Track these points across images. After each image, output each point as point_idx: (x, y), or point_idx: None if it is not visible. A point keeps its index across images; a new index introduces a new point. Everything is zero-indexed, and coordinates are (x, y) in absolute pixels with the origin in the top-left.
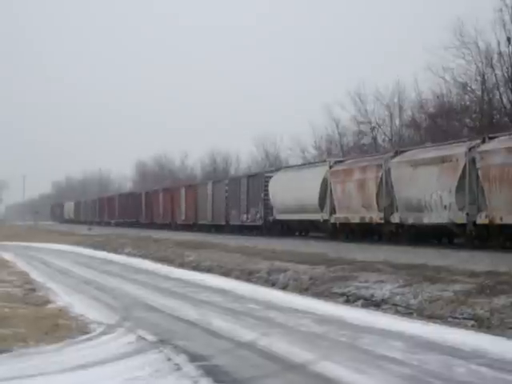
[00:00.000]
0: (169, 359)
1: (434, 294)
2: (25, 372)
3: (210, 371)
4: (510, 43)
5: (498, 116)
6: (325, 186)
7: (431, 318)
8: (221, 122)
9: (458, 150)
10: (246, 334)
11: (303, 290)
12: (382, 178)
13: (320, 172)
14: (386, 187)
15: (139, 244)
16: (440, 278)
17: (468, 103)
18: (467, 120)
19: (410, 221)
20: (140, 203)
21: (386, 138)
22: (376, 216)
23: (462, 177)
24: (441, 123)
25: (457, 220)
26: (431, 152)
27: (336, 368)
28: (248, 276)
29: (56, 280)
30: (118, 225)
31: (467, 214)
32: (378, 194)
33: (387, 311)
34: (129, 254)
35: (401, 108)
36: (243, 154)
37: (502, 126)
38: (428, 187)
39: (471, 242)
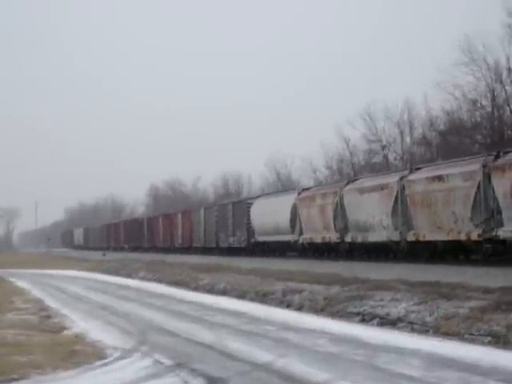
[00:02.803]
0: (186, 382)
1: (449, 311)
2: None
3: None
4: None
5: (509, 131)
6: (294, 211)
7: (447, 335)
8: (233, 144)
9: (392, 179)
10: (263, 356)
11: (319, 310)
12: (337, 204)
13: (290, 198)
14: (340, 211)
15: (153, 268)
16: (455, 294)
17: (478, 119)
18: (478, 136)
19: (359, 239)
20: (142, 228)
21: (398, 157)
22: (333, 236)
23: (396, 202)
24: (452, 140)
25: (393, 238)
26: (374, 180)
27: None
28: (263, 297)
29: (71, 306)
30: (124, 249)
31: (400, 233)
32: (334, 217)
33: (403, 329)
34: (143, 279)
35: (411, 126)
36: (255, 175)
37: None
38: (371, 210)
39: (405, 256)
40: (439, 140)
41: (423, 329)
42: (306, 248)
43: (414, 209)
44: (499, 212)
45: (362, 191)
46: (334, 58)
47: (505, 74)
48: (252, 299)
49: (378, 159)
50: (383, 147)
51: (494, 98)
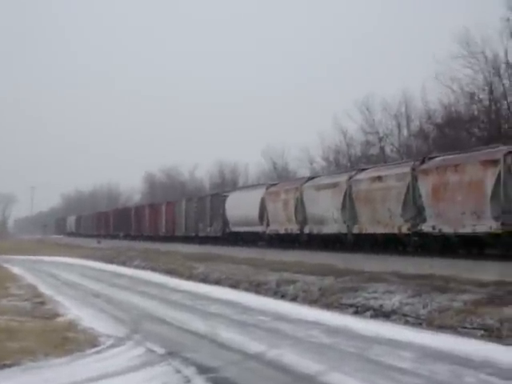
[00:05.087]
0: (178, 371)
1: (443, 304)
2: None
3: (218, 383)
4: None
5: (506, 125)
6: (263, 204)
7: (441, 328)
8: (230, 133)
9: (342, 178)
10: (255, 346)
11: (312, 301)
12: (298, 199)
13: (259, 193)
14: (301, 205)
15: (147, 256)
16: (448, 287)
17: (476, 113)
18: (475, 130)
19: (315, 231)
20: (130, 217)
21: (394, 149)
22: (295, 227)
23: (345, 198)
24: (449, 133)
25: (342, 230)
26: (328, 179)
27: (346, 379)
28: (257, 288)
29: (65, 293)
30: (115, 237)
31: (348, 226)
32: (295, 211)
33: (396, 322)
34: (137, 267)
35: (408, 118)
36: (252, 165)
37: (511, 136)
38: (325, 206)
39: (352, 247)
40: (436, 133)
41: (417, 321)
42: (272, 238)
43: (358, 205)
44: (423, 209)
45: (318, 188)
46: (333, 50)
47: (503, 67)
48: (246, 289)
49: (374, 151)
50: (380, 139)
51: (491, 92)
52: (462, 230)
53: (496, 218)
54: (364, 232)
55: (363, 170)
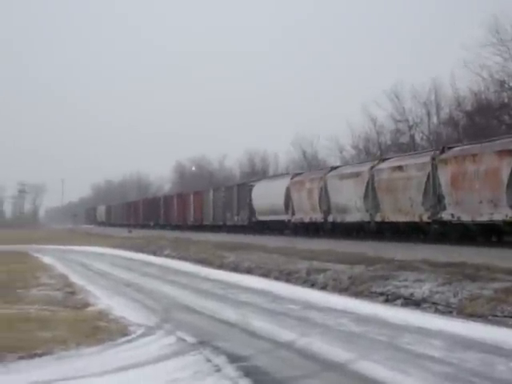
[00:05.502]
0: (208, 360)
1: (473, 292)
2: (66, 374)
3: (249, 372)
4: None
5: None
6: (288, 194)
7: (471, 316)
8: (259, 122)
9: (364, 167)
10: (286, 335)
11: (343, 289)
12: (322, 188)
13: (284, 182)
14: (325, 195)
15: (178, 246)
16: (479, 275)
17: (506, 100)
18: (505, 117)
19: (339, 220)
20: (159, 207)
21: (424, 137)
22: (319, 216)
23: (367, 187)
24: (479, 121)
25: (365, 218)
26: (351, 168)
27: (375, 367)
28: (287, 276)
29: (96, 283)
30: (145, 227)
31: (370, 215)
32: (320, 200)
33: (427, 310)
34: (168, 256)
35: (438, 106)
36: (282, 154)
37: None
38: (348, 195)
39: (374, 234)
40: (466, 120)
41: (447, 310)
42: (297, 226)
43: (380, 194)
44: (443, 198)
45: (341, 177)
46: (362, 36)
47: None
48: (276, 278)
49: (404, 139)
50: (410, 127)
51: None
52: (479, 218)
53: None
54: (386, 220)
55: (385, 159)
